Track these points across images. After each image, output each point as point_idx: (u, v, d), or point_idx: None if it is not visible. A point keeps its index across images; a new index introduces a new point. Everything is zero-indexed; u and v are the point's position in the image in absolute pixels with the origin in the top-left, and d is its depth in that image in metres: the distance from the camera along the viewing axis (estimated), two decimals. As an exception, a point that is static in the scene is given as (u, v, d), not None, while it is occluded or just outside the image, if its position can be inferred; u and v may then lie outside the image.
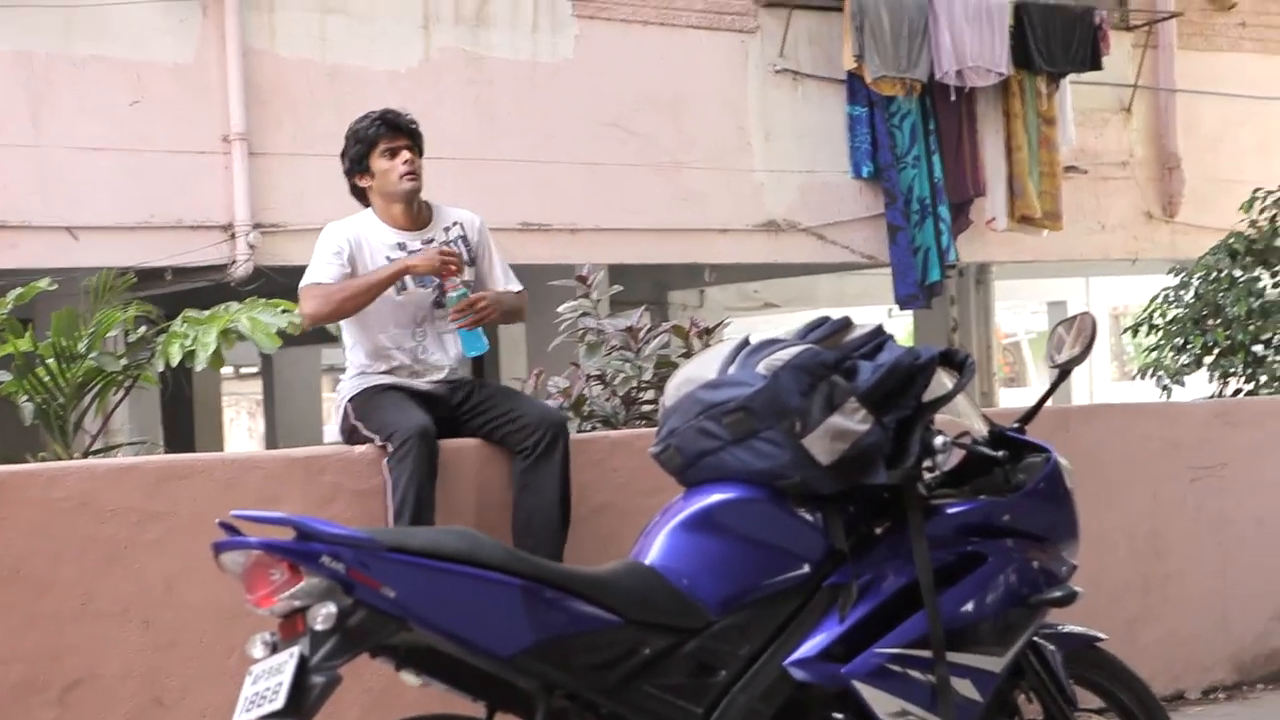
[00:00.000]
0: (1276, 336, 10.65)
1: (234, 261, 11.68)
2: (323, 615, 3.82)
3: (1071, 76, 14.94)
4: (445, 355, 6.23)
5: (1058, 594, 4.59)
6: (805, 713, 4.34)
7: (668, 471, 4.56)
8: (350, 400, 6.13)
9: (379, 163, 6.21)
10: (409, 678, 4.16)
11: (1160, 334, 11.24)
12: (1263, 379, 10.60)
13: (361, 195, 6.34)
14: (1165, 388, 11.13)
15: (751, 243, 13.90)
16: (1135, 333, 11.65)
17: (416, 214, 6.29)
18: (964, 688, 4.39)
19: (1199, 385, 11.31)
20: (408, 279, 6.14)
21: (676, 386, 4.57)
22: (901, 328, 18.59)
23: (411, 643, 3.99)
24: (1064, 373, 4.98)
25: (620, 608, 4.16)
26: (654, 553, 4.36)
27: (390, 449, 5.84)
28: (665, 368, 6.85)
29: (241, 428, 35.54)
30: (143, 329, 7.81)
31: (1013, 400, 24.20)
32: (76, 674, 5.37)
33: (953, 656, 4.36)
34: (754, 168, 13.88)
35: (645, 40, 13.43)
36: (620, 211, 13.17)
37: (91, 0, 11.17)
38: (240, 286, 11.38)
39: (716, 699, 4.25)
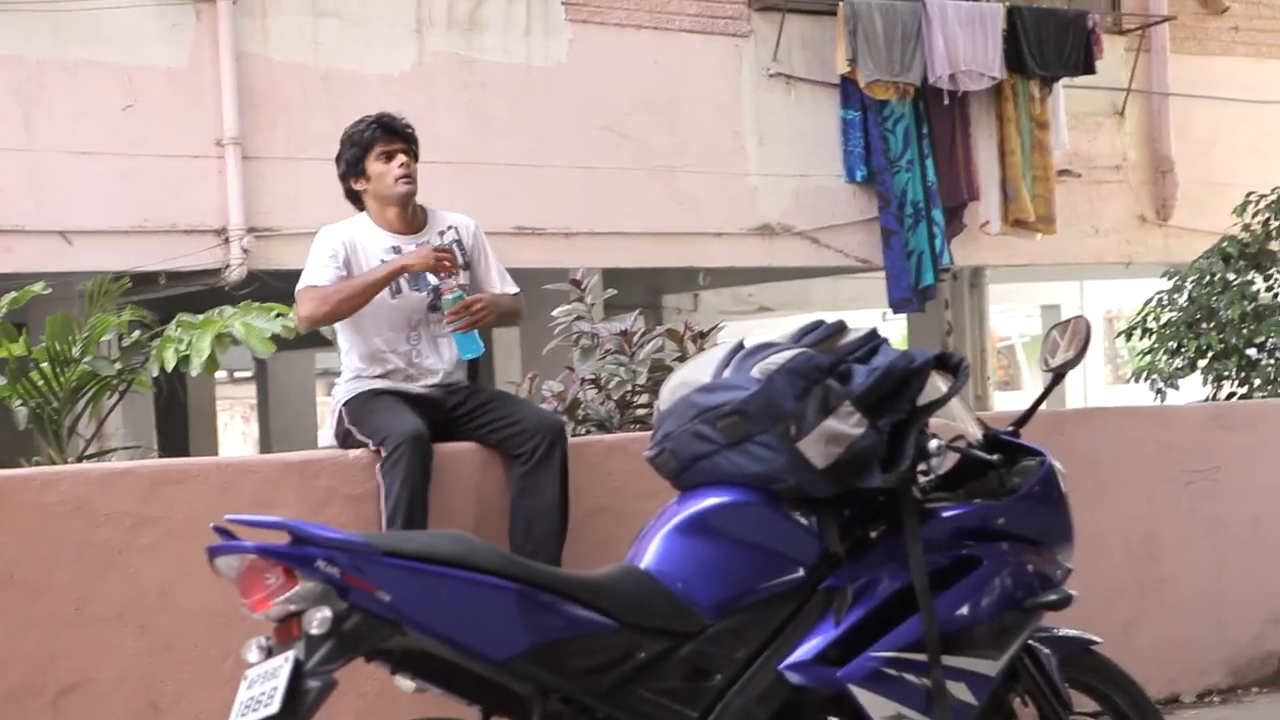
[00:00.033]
0: (1270, 340, 10.66)
1: (228, 266, 11.69)
2: (318, 619, 3.82)
3: (1065, 80, 14.95)
4: (440, 359, 6.23)
5: (1053, 597, 4.60)
6: (801, 716, 4.34)
7: (662, 475, 4.56)
8: (345, 404, 6.13)
9: (374, 166, 6.21)
10: (404, 682, 4.15)
11: (1154, 337, 11.25)
12: (1256, 382, 10.61)
13: (356, 199, 6.33)
14: (1159, 391, 11.14)
15: (746, 246, 13.91)
16: (1129, 336, 11.67)
17: (411, 218, 6.28)
18: (959, 691, 4.39)
19: (1193, 389, 11.32)
20: (403, 282, 6.14)
21: (671, 390, 4.57)
22: (895, 331, 18.61)
23: (406, 647, 3.99)
24: (1058, 376, 4.98)
25: (615, 612, 4.16)
26: (649, 556, 4.36)
27: (384, 454, 5.83)
28: (660, 372, 6.85)
29: (235, 432, 35.54)
30: (137, 333, 7.81)
31: (1007, 404, 24.21)
32: (71, 679, 5.37)
33: (948, 660, 4.36)
34: (748, 171, 13.88)
35: (639, 44, 13.44)
36: (615, 215, 13.18)
37: (84, 5, 11.17)
38: (234, 291, 11.38)
39: (712, 703, 4.24)
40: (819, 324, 4.63)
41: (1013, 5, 14.60)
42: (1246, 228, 11.20)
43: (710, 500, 4.39)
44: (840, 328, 4.61)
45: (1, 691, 5.27)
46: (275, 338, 7.60)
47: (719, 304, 19.42)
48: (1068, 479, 4.80)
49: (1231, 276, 10.97)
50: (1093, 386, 27.10)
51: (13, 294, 7.72)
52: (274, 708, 3.75)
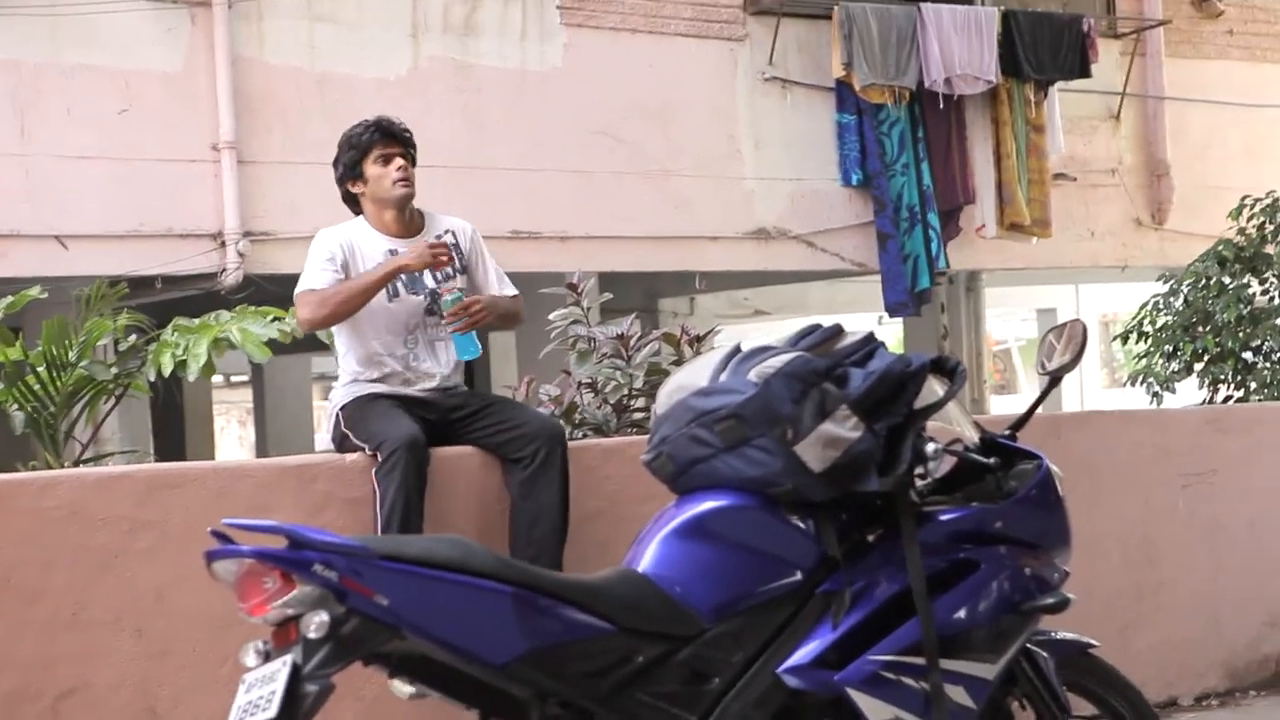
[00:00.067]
0: (1266, 343, 10.66)
1: (224, 270, 11.69)
2: (316, 623, 3.82)
3: (1060, 84, 14.96)
4: (437, 363, 6.23)
5: (1050, 601, 4.60)
6: (799, 720, 4.35)
7: (660, 479, 4.56)
8: (342, 408, 6.13)
9: (372, 169, 6.22)
10: (402, 687, 4.15)
11: (1150, 341, 11.26)
12: (1253, 385, 10.62)
13: (353, 202, 6.34)
14: (1156, 395, 11.15)
15: (742, 250, 13.91)
16: (1125, 340, 11.68)
17: (409, 221, 6.29)
18: (957, 695, 4.39)
19: (1189, 392, 11.33)
20: (399, 285, 6.15)
21: (668, 394, 4.57)
22: (892, 335, 18.61)
23: (404, 651, 3.99)
24: (1055, 380, 4.99)
25: (613, 615, 4.16)
26: (647, 560, 4.36)
27: (379, 459, 5.83)
28: (656, 375, 6.84)
29: (232, 436, 35.51)
30: (133, 338, 7.81)
31: (1003, 407, 24.24)
32: (69, 683, 5.36)
33: (946, 663, 4.36)
34: (744, 175, 13.89)
35: (634, 48, 13.44)
36: (610, 219, 13.18)
37: (80, 9, 11.17)
38: (230, 295, 11.37)
39: (710, 707, 4.25)
40: (815, 328, 4.63)
41: (1008, 9, 14.62)
42: (1242, 231, 11.21)
43: (708, 504, 4.40)
44: (837, 331, 4.61)
45: (0, 696, 5.28)
46: (271, 342, 7.59)
47: (715, 308, 19.43)
48: (1065, 482, 4.80)
49: (1227, 280, 10.98)
50: (1089, 390, 27.10)
51: (9, 298, 7.72)
52: (272, 711, 3.75)
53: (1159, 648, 7.72)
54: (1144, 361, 11.31)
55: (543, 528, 5.94)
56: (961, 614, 4.43)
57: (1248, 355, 10.71)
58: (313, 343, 7.22)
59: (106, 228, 11.38)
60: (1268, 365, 10.68)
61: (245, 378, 24.76)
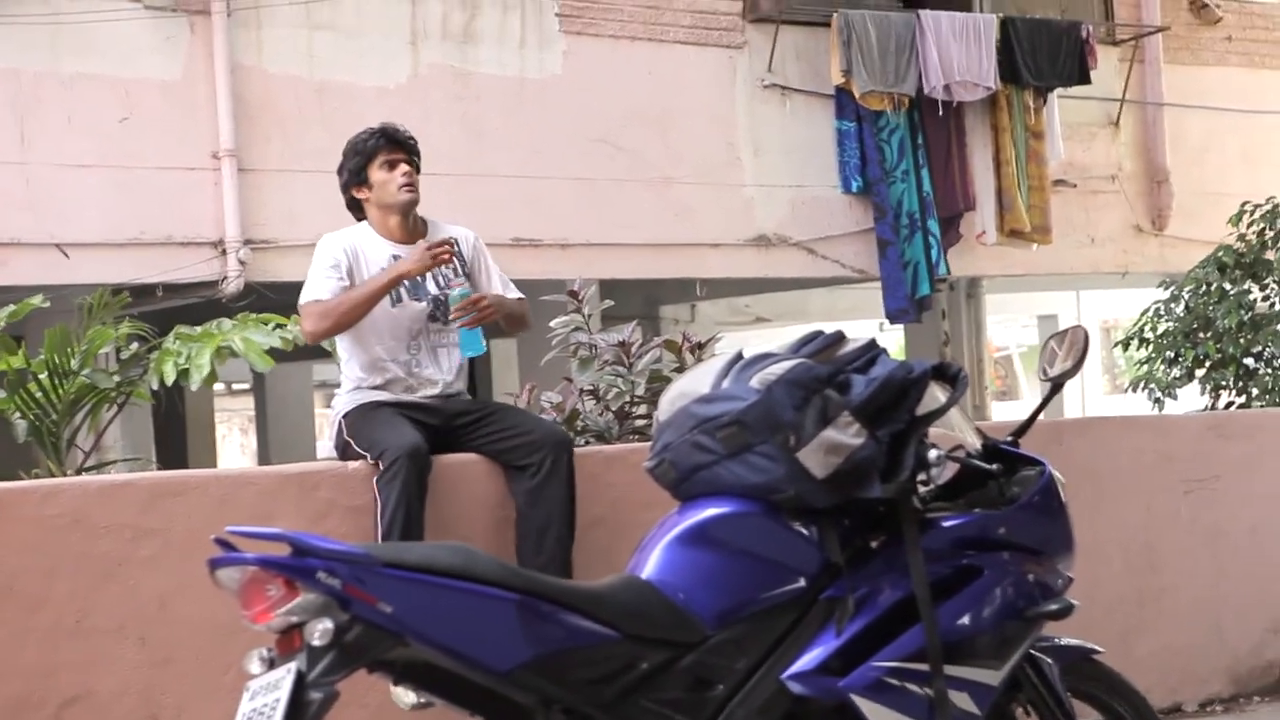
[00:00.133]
0: (1267, 349, 10.67)
1: (225, 278, 11.69)
2: (320, 631, 3.81)
3: (1059, 91, 14.98)
4: (440, 369, 6.24)
5: (1054, 607, 4.59)
6: (803, 726, 4.35)
7: (662, 486, 4.55)
8: (344, 416, 6.14)
9: (377, 174, 6.24)
10: (404, 697, 4.15)
11: (1151, 347, 11.28)
12: (1254, 391, 10.63)
13: (357, 208, 6.36)
14: (1157, 401, 11.16)
15: (742, 257, 13.92)
16: (1126, 346, 11.69)
17: (412, 228, 6.30)
18: (962, 701, 4.38)
19: (1191, 398, 11.33)
20: (403, 291, 6.16)
21: (670, 401, 4.57)
22: (893, 342, 18.61)
23: (409, 658, 3.99)
24: (1056, 386, 4.98)
25: (617, 622, 4.16)
26: (650, 567, 4.36)
27: (381, 467, 5.84)
28: (658, 382, 6.84)
29: (234, 444, 35.48)
30: (135, 346, 7.82)
31: (1005, 414, 24.22)
32: (72, 691, 5.36)
33: (950, 669, 4.36)
34: (744, 182, 13.89)
35: (633, 55, 13.45)
36: (611, 226, 13.19)
37: (79, 18, 11.18)
38: (231, 303, 11.37)
39: (714, 713, 4.24)
40: (817, 334, 4.63)
41: (1006, 16, 14.64)
42: (1242, 237, 11.23)
43: (710, 511, 4.39)
44: (838, 338, 4.61)
45: (2, 704, 5.26)
46: (273, 350, 7.59)
47: (716, 315, 19.43)
48: (1067, 488, 4.80)
49: (1228, 286, 11.00)
50: (1091, 396, 27.10)
51: (11, 307, 7.72)
52: (277, 719, 3.74)
53: (1161, 654, 7.72)
54: (1145, 368, 11.33)
55: (552, 536, 5.95)
56: (965, 620, 4.42)
57: (1249, 361, 10.72)
58: (314, 350, 7.23)
59: (107, 236, 11.38)
60: (1269, 371, 10.69)
61: (247, 385, 24.77)
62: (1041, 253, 15.11)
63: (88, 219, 11.29)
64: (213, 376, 7.46)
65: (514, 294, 6.46)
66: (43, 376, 7.44)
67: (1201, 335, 10.91)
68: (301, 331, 6.42)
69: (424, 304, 6.21)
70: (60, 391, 7.43)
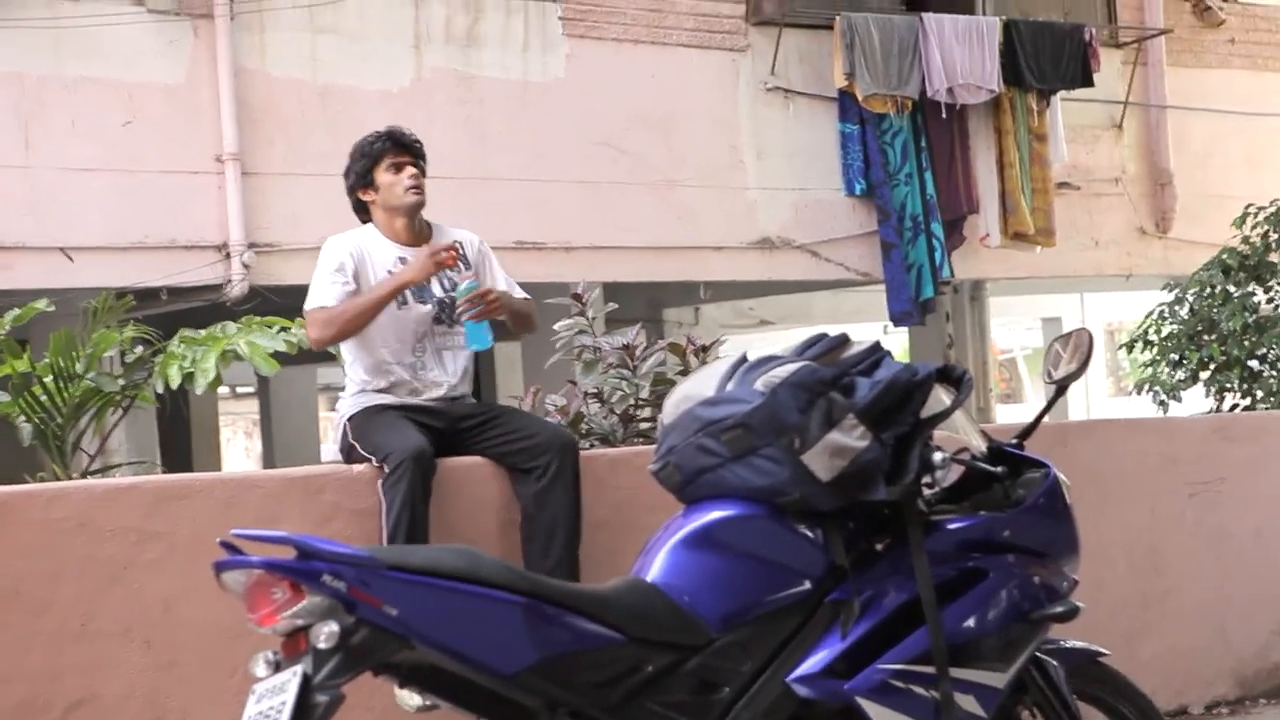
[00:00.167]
0: (1272, 351, 10.67)
1: (229, 281, 11.69)
2: (325, 634, 3.82)
3: (1062, 93, 14.97)
4: (445, 372, 6.25)
5: (1060, 609, 4.59)
6: (808, 729, 4.35)
7: (667, 489, 4.56)
8: (349, 419, 6.14)
9: (384, 177, 6.26)
10: (409, 699, 4.15)
11: (1156, 350, 11.26)
12: (1259, 394, 10.62)
13: (363, 211, 6.37)
14: (1162, 403, 11.15)
15: (746, 260, 13.92)
16: (1131, 349, 11.68)
17: (418, 231, 6.32)
18: (967, 703, 4.39)
19: (1195, 401, 11.33)
20: (408, 293, 6.17)
21: (675, 404, 4.57)
22: (897, 345, 18.61)
23: (414, 661, 3.99)
24: (1061, 389, 4.98)
25: (622, 625, 4.16)
26: (655, 570, 4.36)
27: (386, 471, 5.84)
28: (662, 385, 6.85)
29: (238, 447, 35.51)
30: (139, 349, 7.82)
31: (1009, 416, 24.20)
32: (78, 694, 5.36)
33: (956, 672, 4.36)
34: (747, 185, 13.89)
35: (636, 59, 13.45)
36: (614, 230, 13.19)
37: (82, 22, 11.18)
38: (235, 306, 11.39)
39: (720, 716, 4.24)
40: (821, 337, 4.63)
41: (1009, 19, 14.63)
42: (1246, 240, 11.22)
43: (716, 513, 4.39)
44: (843, 341, 4.61)
45: (8, 707, 5.27)
46: (278, 354, 7.60)
47: (720, 317, 19.41)
48: (1071, 491, 4.80)
49: (1232, 288, 10.99)
50: (1095, 399, 27.09)
51: (16, 311, 7.73)
52: (282, 722, 3.75)
53: (1166, 656, 7.72)
54: (1150, 370, 11.32)
55: (559, 539, 5.95)
56: (971, 623, 4.42)
57: (1254, 363, 10.71)
58: (319, 353, 7.22)
59: (111, 240, 11.39)
60: (1274, 373, 10.68)
61: (251, 389, 24.77)
62: (1045, 255, 15.11)
63: (92, 222, 11.30)
64: (217, 380, 7.47)
65: (519, 294, 6.47)
66: (48, 380, 7.44)
67: (1206, 338, 10.90)
68: (308, 339, 6.43)
69: (429, 306, 6.22)
70: (65, 395, 7.43)
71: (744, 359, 4.57)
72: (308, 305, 6.20)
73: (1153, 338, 11.31)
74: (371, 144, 6.32)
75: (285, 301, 9.44)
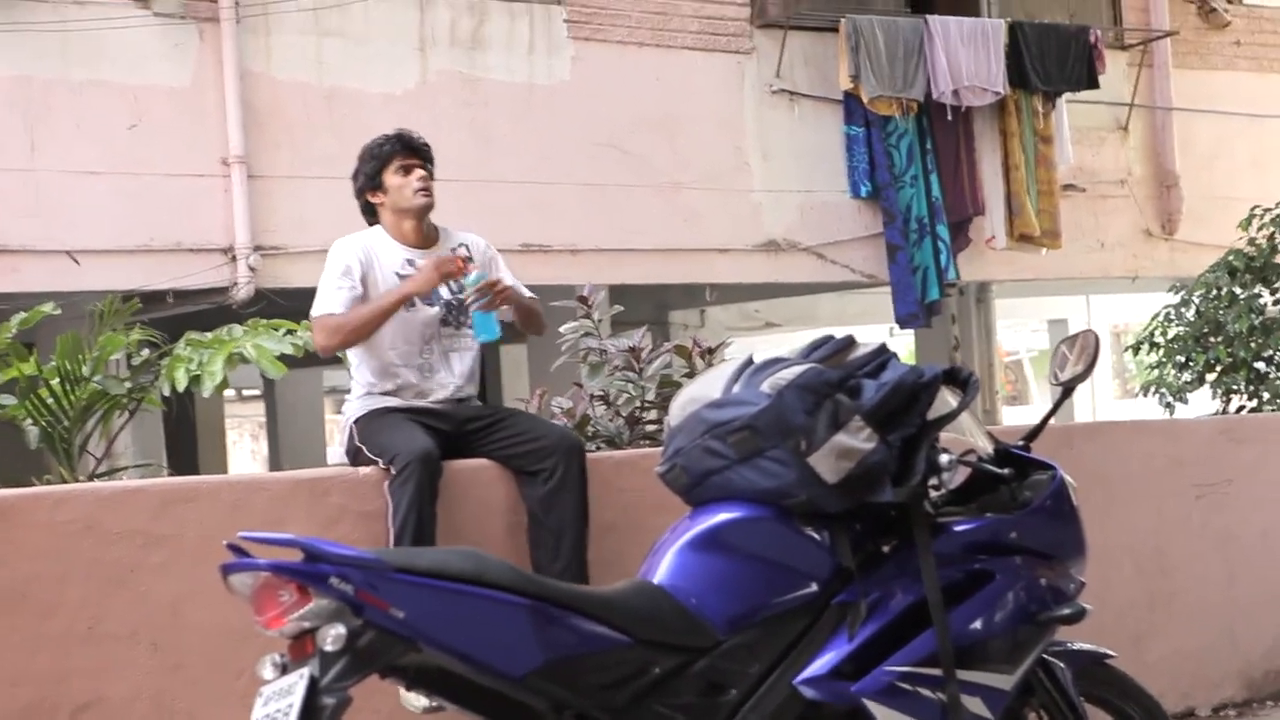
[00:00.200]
0: (1278, 353, 10.66)
1: (235, 284, 11.70)
2: (332, 636, 3.82)
3: (1068, 95, 14.96)
4: (452, 374, 6.25)
5: (1067, 611, 4.59)
6: (815, 731, 4.35)
7: (674, 491, 4.56)
8: (355, 421, 6.15)
9: (392, 179, 6.28)
10: (415, 701, 4.15)
11: (1162, 352, 11.26)
12: (1266, 395, 10.61)
13: (371, 212, 6.38)
14: (1168, 405, 11.14)
15: (751, 262, 13.91)
16: (1137, 350, 11.67)
17: (426, 233, 6.33)
18: (974, 705, 4.39)
19: (1202, 402, 11.32)
20: (415, 296, 6.17)
21: (681, 406, 4.58)
22: (903, 347, 18.58)
23: (421, 663, 4.00)
24: (1067, 390, 4.98)
25: (629, 627, 4.16)
26: (662, 572, 4.36)
27: (393, 472, 5.84)
28: (668, 387, 6.86)
29: (244, 450, 35.53)
30: (146, 352, 7.82)
31: (1015, 418, 24.21)
32: (85, 697, 5.36)
33: (963, 674, 4.36)
34: (752, 188, 13.88)
35: (641, 61, 13.45)
36: (620, 232, 13.19)
37: (88, 25, 11.19)
38: (241, 309, 11.39)
39: (727, 718, 4.25)
40: (828, 339, 4.63)
41: (1014, 21, 14.62)
42: (1252, 241, 11.21)
43: (722, 516, 4.40)
44: (849, 343, 4.62)
45: (15, 710, 5.27)
46: (284, 357, 7.60)
47: (726, 320, 19.41)
48: (1078, 493, 4.80)
49: (1238, 290, 10.98)
50: (1101, 401, 27.07)
51: (22, 314, 7.73)
52: (289, 724, 3.75)
53: (1172, 658, 7.71)
54: (1156, 372, 11.31)
55: (567, 542, 5.96)
56: (977, 624, 4.43)
57: (1260, 365, 10.71)
58: (325, 356, 7.24)
59: (117, 243, 11.39)
60: (1280, 375, 10.68)
61: (258, 391, 24.78)
62: (1051, 257, 15.10)
63: (98, 225, 11.30)
64: (224, 383, 7.46)
65: (526, 294, 6.47)
66: (54, 383, 7.45)
67: (1212, 339, 10.89)
68: (314, 345, 6.44)
69: (436, 309, 6.23)
70: (72, 398, 7.43)
71: (750, 361, 4.57)
72: (315, 311, 6.20)
73: (1159, 340, 11.31)
74: (380, 146, 6.34)
75: (291, 304, 9.43)
